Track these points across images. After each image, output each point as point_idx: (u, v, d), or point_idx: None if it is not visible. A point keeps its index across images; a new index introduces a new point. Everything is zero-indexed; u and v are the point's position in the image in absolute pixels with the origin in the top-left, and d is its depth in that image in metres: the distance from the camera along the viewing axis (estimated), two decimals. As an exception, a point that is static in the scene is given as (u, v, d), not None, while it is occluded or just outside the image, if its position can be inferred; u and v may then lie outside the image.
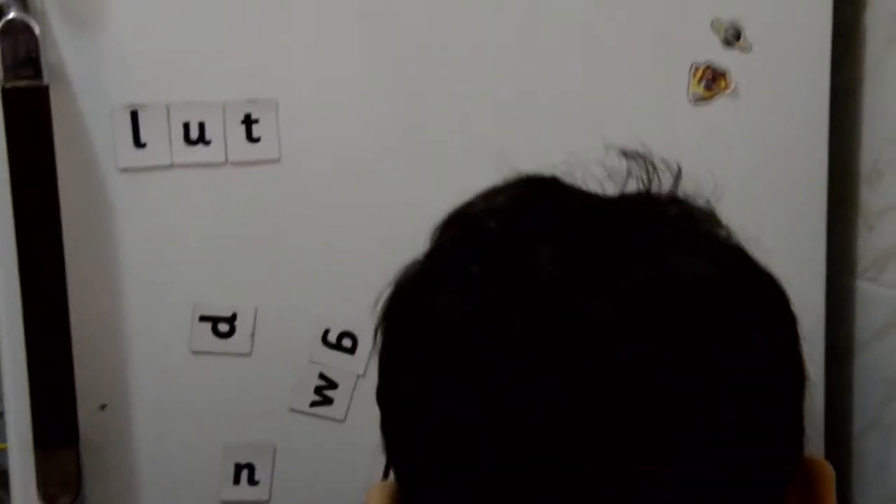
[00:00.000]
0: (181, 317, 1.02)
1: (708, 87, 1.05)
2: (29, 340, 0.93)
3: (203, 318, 1.02)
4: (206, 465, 1.04)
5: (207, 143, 0.99)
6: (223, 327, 1.03)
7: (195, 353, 1.03)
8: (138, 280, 1.01)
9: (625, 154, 0.53)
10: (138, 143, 0.98)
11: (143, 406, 1.02)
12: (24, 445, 0.99)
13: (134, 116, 0.98)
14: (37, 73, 0.91)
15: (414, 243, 0.52)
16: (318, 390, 1.04)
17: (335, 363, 1.04)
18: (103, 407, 1.02)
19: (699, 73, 1.05)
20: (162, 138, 0.99)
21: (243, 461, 1.05)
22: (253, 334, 1.03)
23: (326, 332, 1.04)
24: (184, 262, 1.02)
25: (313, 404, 1.05)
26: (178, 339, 1.02)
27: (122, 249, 1.00)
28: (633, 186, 0.52)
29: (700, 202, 0.52)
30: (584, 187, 0.52)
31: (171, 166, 0.99)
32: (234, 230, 1.02)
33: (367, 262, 0.99)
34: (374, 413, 0.50)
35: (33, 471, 0.97)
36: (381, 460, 0.53)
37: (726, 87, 1.05)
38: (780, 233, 1.07)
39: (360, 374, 1.04)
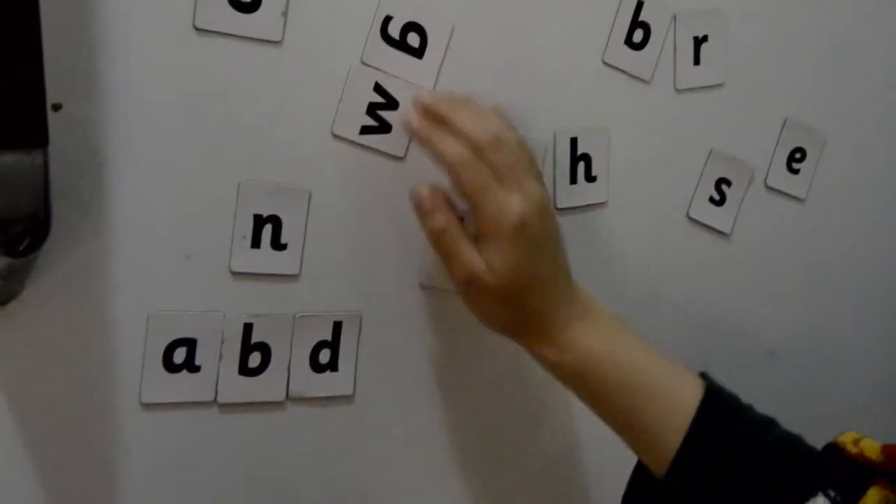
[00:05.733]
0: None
1: None
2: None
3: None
4: (219, 215, 0.66)
5: None
6: (244, -5, 0.65)
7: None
8: None
9: None
10: None
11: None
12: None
13: None
14: None
15: None
16: (371, 109, 0.70)
17: (396, 68, 0.70)
18: (57, 108, 0.60)
19: None
20: None
21: (265, 212, 0.68)
22: (286, 12, 0.66)
23: (387, 20, 0.69)
24: None
25: (365, 130, 0.70)
26: None
27: None
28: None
29: None
30: None
31: None
32: None
33: None
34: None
35: None
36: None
37: None
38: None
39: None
